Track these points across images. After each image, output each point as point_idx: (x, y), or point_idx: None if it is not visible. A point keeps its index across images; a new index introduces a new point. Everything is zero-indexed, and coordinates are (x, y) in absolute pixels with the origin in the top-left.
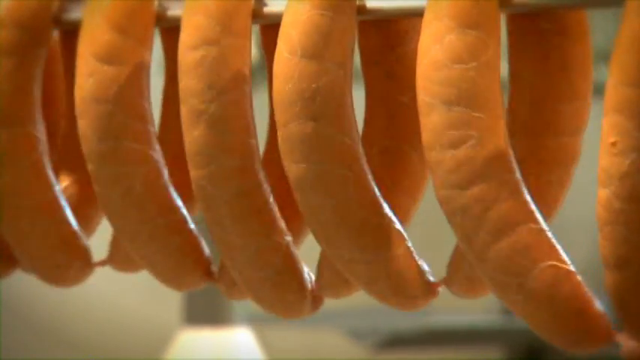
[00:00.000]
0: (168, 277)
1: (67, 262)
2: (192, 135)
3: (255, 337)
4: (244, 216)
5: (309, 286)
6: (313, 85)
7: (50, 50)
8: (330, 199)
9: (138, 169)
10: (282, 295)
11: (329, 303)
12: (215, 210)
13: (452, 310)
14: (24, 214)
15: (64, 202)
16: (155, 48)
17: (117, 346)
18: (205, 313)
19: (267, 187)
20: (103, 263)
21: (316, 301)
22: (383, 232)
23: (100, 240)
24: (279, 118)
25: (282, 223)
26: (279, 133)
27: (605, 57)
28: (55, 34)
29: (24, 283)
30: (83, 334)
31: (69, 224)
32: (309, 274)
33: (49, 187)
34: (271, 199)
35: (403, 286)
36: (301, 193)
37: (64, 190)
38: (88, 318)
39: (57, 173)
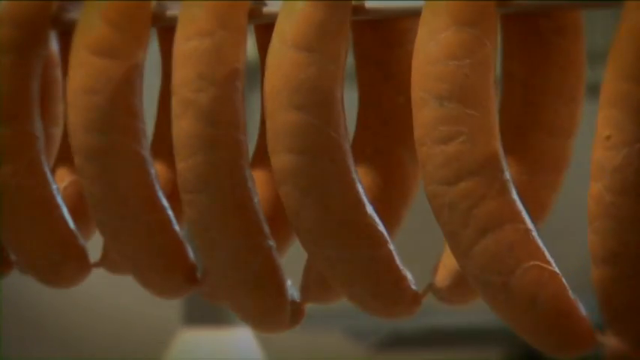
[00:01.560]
0: (150, 279)
1: (63, 261)
2: (180, 125)
3: (255, 337)
4: (226, 212)
5: (290, 296)
6: (301, 75)
7: (50, 50)
8: (312, 192)
9: (123, 164)
10: (260, 300)
11: None
12: (197, 204)
13: (452, 310)
14: (20, 212)
15: (60, 201)
16: (153, 49)
17: (117, 346)
18: (205, 313)
19: (252, 186)
20: (96, 265)
21: (297, 313)
22: (364, 231)
23: (99, 241)
24: (267, 108)
25: (265, 226)
26: (267, 125)
27: (604, 57)
28: (55, 35)
29: (24, 283)
30: (83, 334)
31: (65, 223)
32: (291, 286)
33: (46, 185)
34: (256, 200)
35: (382, 289)
36: (284, 185)
37: (63, 190)
38: (88, 318)
39: (56, 174)
